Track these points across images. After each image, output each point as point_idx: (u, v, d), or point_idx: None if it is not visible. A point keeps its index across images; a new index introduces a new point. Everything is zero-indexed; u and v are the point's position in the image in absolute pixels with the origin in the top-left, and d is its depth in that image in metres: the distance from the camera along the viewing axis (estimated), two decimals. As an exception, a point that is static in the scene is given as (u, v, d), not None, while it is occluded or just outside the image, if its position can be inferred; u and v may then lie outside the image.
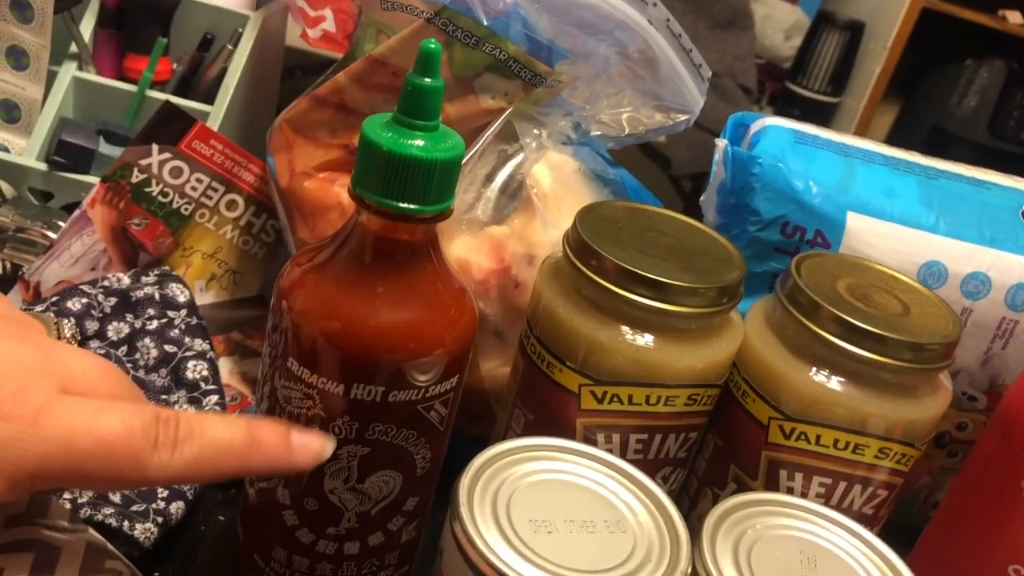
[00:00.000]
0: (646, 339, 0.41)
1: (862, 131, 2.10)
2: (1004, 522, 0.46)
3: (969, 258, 0.53)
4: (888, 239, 0.53)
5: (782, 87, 2.23)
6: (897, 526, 0.51)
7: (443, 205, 0.37)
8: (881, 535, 0.40)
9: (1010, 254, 0.53)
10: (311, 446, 0.35)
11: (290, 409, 0.39)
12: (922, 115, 2.25)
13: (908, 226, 0.53)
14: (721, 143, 0.56)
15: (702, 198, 0.58)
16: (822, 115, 2.17)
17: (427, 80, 0.35)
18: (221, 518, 0.51)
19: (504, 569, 0.33)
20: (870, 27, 2.16)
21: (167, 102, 0.58)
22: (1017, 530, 0.46)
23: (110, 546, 0.37)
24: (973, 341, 0.54)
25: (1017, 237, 0.54)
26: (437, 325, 0.38)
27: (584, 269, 0.42)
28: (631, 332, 0.41)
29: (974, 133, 2.17)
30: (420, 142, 0.35)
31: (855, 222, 0.53)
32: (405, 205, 0.36)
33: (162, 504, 0.47)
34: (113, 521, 0.45)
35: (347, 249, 0.38)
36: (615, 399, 0.42)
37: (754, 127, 0.58)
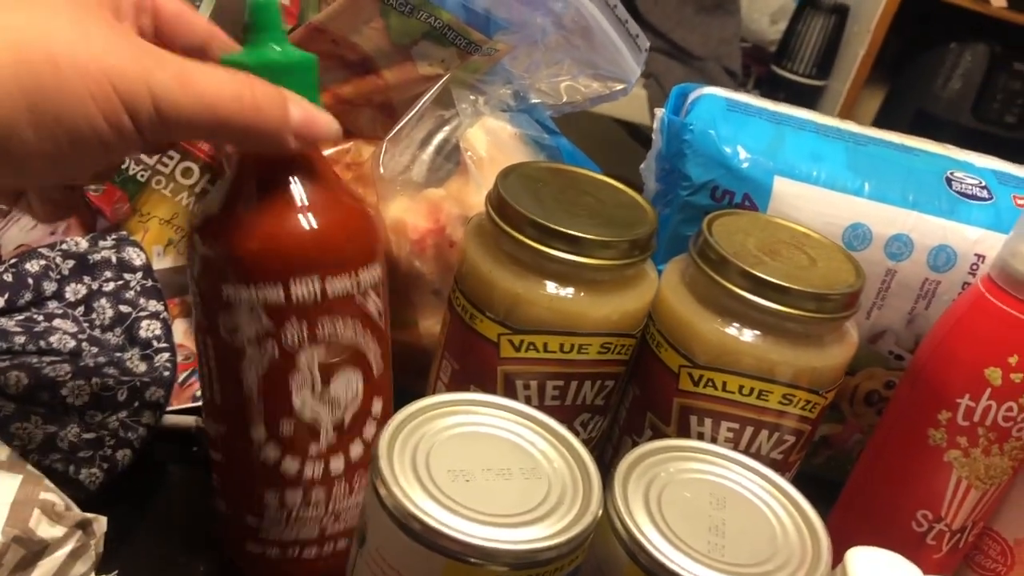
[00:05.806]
0: (563, 291, 0.43)
1: (847, 114, 2.12)
2: (912, 469, 0.49)
3: (892, 220, 0.55)
4: (813, 202, 0.54)
5: (768, 71, 2.24)
6: (830, 483, 0.53)
7: None
8: (810, 489, 0.41)
9: (932, 216, 0.55)
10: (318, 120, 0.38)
11: (236, 343, 0.40)
12: (907, 99, 2.26)
13: (833, 190, 0.55)
14: (659, 112, 0.58)
15: (642, 166, 0.60)
16: (807, 98, 2.18)
17: None
18: (171, 469, 0.53)
19: (421, 516, 0.34)
20: (855, 10, 2.17)
21: (121, 71, 0.59)
22: (924, 477, 0.48)
23: (46, 480, 0.39)
24: (898, 301, 0.56)
25: (939, 200, 0.56)
26: (355, 218, 0.41)
27: (503, 225, 0.44)
28: (549, 284, 0.43)
29: (958, 116, 2.18)
30: (277, 47, 0.38)
31: (782, 186, 0.55)
32: None
33: (109, 451, 0.49)
34: (59, 466, 0.47)
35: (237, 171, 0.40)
36: (531, 347, 0.44)
37: (692, 96, 0.60)
